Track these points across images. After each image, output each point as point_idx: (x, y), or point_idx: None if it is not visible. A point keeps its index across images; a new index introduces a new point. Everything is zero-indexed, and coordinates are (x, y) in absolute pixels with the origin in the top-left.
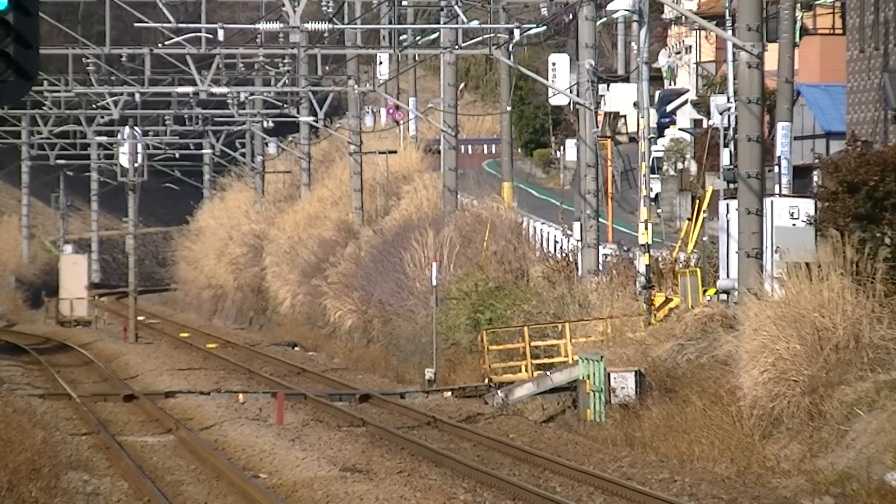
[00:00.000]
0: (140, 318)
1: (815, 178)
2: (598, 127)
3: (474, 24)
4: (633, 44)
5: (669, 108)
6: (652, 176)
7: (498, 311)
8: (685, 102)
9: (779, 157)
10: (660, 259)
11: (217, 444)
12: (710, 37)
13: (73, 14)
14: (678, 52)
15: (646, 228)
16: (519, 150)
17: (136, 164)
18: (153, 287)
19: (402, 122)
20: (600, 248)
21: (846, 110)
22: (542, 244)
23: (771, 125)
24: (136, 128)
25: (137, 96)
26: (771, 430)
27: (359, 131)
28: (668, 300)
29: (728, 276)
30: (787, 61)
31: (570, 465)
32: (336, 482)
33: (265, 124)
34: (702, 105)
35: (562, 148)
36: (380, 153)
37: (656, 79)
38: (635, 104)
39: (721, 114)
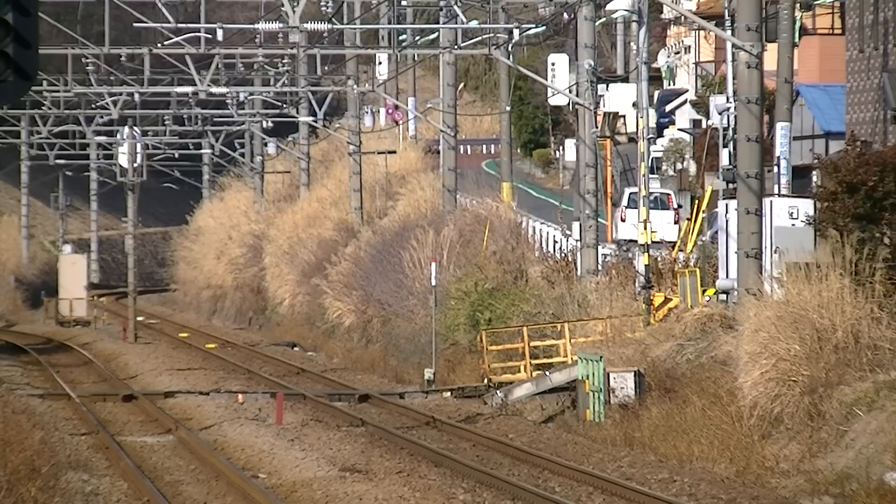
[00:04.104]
0: (139, 318)
1: (815, 179)
2: (597, 127)
3: (473, 24)
4: (632, 44)
5: (668, 108)
6: (651, 176)
7: (497, 311)
8: (684, 102)
9: (778, 158)
10: (659, 259)
11: (216, 444)
12: (709, 37)
13: (72, 14)
14: (677, 53)
15: (645, 228)
16: (518, 150)
17: (135, 164)
18: (152, 287)
19: (401, 122)
20: (599, 247)
21: (845, 110)
22: (541, 244)
23: (770, 125)
24: (135, 128)
25: (137, 96)
26: (770, 431)
27: (358, 131)
28: (667, 300)
29: (727, 277)
30: (787, 61)
31: (569, 466)
32: (335, 482)
33: (264, 124)
34: (701, 105)
35: (561, 148)
36: (379, 153)
37: (655, 79)
38: (634, 104)
39: (720, 114)
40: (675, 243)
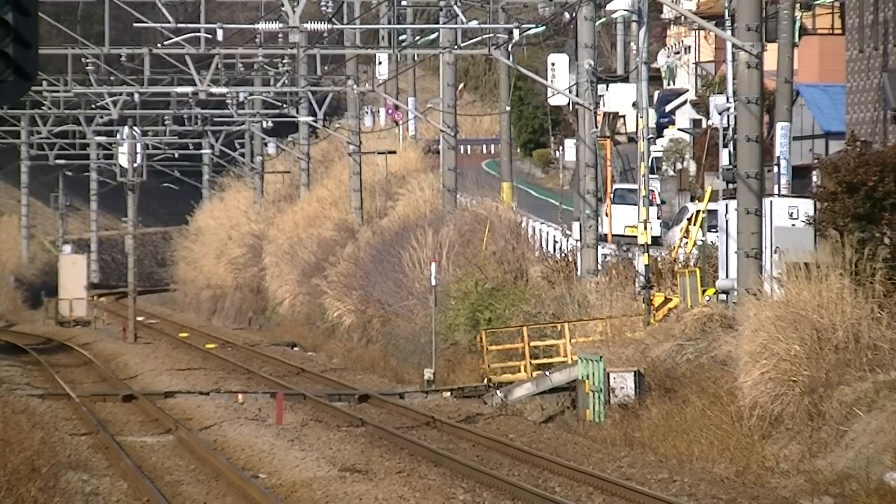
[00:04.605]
0: (139, 318)
1: (815, 179)
2: (597, 127)
3: (473, 24)
4: (632, 44)
5: (668, 108)
6: (651, 176)
7: (497, 311)
8: (684, 102)
9: (778, 158)
10: (659, 259)
11: (216, 444)
12: (709, 37)
13: (72, 14)
14: (677, 53)
15: (645, 228)
16: (518, 150)
17: (135, 164)
18: (152, 287)
19: (401, 122)
20: (599, 248)
21: (845, 110)
22: (541, 244)
23: (770, 125)
24: (135, 128)
25: (136, 96)
26: (770, 431)
27: (358, 131)
28: (667, 300)
29: (727, 277)
30: (787, 61)
31: (569, 466)
32: (335, 482)
33: (264, 124)
34: (701, 105)
35: (561, 148)
36: (379, 153)
37: (655, 79)
38: (634, 104)
39: (720, 114)
40: (657, 238)
